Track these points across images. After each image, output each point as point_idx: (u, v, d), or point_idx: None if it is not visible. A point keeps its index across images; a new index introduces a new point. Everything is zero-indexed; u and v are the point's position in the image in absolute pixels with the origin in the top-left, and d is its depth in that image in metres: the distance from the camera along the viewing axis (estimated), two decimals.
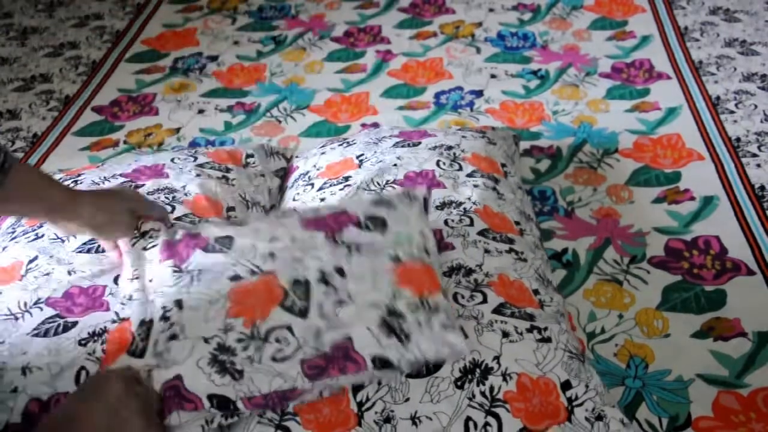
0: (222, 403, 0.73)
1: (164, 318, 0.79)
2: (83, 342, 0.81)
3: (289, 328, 0.77)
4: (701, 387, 0.93)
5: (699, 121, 1.46)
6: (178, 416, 0.72)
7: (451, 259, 0.92)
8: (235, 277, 0.81)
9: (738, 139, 1.40)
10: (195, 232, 0.89)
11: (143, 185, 1.06)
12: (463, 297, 0.86)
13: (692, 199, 1.25)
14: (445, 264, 0.91)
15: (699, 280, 1.09)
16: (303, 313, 0.78)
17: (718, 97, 1.53)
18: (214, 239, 0.87)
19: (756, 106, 1.49)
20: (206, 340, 0.76)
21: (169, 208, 1.00)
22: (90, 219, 0.85)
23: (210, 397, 0.73)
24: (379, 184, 1.05)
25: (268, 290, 0.80)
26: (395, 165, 1.08)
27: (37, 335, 0.82)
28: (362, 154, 1.14)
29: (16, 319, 0.85)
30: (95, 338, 0.81)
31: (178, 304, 0.80)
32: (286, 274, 0.81)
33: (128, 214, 0.90)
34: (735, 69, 1.63)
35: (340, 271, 0.81)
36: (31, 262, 0.94)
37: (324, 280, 0.80)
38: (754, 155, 1.35)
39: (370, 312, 0.78)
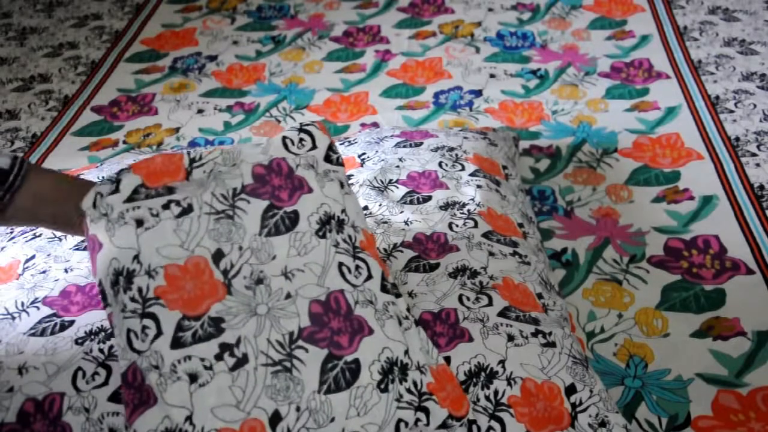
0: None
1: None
2: (80, 341, 0.80)
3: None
4: (701, 386, 0.93)
5: (698, 120, 1.46)
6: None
7: (456, 260, 0.91)
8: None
9: (737, 139, 1.40)
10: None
11: None
12: (468, 299, 0.86)
13: (691, 198, 1.25)
14: (450, 265, 0.90)
15: (698, 280, 1.09)
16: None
17: (717, 97, 1.53)
18: None
19: (755, 106, 1.49)
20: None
21: None
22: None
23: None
24: (382, 182, 1.05)
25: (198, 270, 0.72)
26: (397, 166, 1.08)
27: (33, 334, 0.81)
28: (364, 153, 1.14)
29: (13, 318, 0.85)
30: (92, 337, 0.81)
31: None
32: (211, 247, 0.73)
33: None
34: (734, 68, 1.63)
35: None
36: (28, 260, 0.94)
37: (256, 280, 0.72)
38: (754, 154, 1.35)
39: None
